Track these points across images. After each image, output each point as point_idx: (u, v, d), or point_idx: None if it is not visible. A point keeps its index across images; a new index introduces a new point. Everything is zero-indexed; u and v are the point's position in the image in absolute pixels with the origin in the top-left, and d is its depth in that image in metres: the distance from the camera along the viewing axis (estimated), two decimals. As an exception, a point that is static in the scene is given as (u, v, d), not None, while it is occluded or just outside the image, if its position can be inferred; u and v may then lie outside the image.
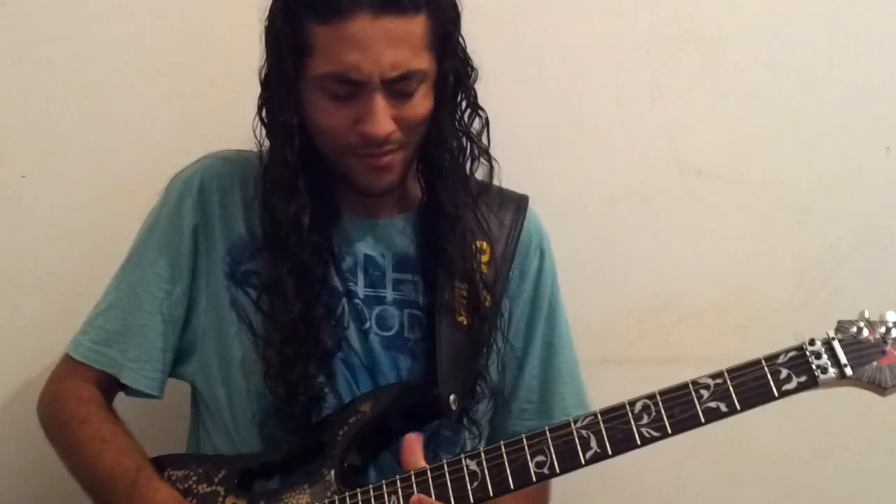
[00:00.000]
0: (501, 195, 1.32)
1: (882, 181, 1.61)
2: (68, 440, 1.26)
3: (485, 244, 1.29)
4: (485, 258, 1.28)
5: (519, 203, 1.34)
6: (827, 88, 1.60)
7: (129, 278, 1.27)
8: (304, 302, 1.17)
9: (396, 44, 1.08)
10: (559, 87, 1.60)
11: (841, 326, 1.03)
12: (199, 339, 1.25)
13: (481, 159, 1.24)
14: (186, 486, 1.20)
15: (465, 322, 1.23)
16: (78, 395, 1.27)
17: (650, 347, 1.64)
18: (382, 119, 1.11)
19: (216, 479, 1.19)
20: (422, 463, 1.10)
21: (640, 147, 1.62)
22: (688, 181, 1.62)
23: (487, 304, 1.26)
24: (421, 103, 1.14)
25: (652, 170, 1.62)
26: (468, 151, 1.23)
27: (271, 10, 1.15)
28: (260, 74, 1.18)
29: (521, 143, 1.47)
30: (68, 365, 1.28)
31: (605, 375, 1.37)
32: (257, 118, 1.20)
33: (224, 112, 1.39)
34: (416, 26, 1.09)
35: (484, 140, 1.24)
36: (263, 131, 1.21)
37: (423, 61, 1.12)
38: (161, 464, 1.23)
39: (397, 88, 1.11)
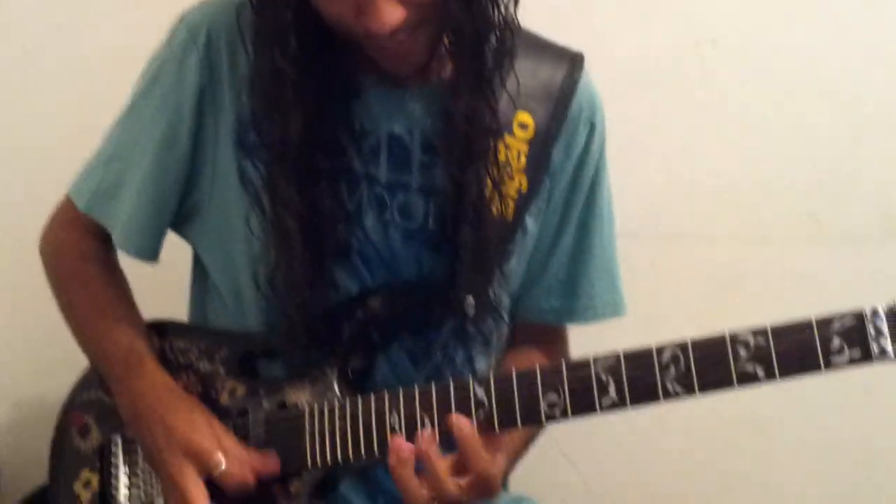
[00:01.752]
0: (552, 52, 1.18)
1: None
2: (68, 300, 1.24)
3: (528, 117, 1.15)
4: (526, 134, 1.15)
5: (572, 64, 1.18)
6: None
7: (130, 132, 1.18)
8: (310, 201, 1.06)
9: None
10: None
11: None
12: (204, 206, 1.18)
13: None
14: (187, 359, 1.17)
15: (496, 212, 1.11)
16: (78, 250, 1.23)
17: (663, 223, 1.60)
18: (384, 11, 0.94)
19: (217, 358, 1.16)
20: None
21: (655, 21, 1.56)
22: (703, 53, 1.55)
23: (524, 189, 1.15)
24: None
25: (668, 41, 1.55)
26: (489, 17, 1.04)
27: None
28: None
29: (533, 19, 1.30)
30: (71, 209, 1.22)
31: (618, 250, 1.29)
32: None
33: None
34: None
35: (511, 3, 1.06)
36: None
37: None
38: (163, 330, 1.21)
39: None
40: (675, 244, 1.62)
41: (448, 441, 1.03)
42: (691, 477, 1.66)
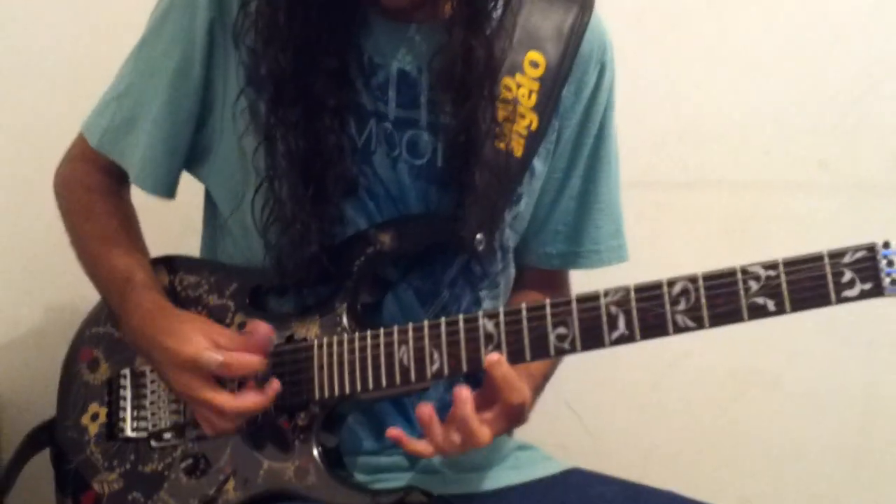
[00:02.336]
0: None
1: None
2: (74, 233, 1.25)
3: (540, 56, 1.15)
4: (537, 72, 1.15)
5: (583, 5, 1.18)
6: None
7: (142, 67, 1.19)
8: (316, 135, 1.07)
9: None
10: None
11: None
12: (215, 143, 1.18)
13: None
14: (197, 294, 1.19)
15: (504, 149, 1.12)
16: (87, 184, 1.25)
17: (671, 170, 1.59)
18: None
19: (227, 293, 1.17)
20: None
21: None
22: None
23: (534, 127, 1.15)
24: None
25: None
26: None
27: None
28: None
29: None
30: (83, 145, 1.24)
31: (624, 197, 1.29)
32: None
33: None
34: None
35: None
36: None
37: None
38: (174, 265, 1.22)
39: None
40: (683, 191, 1.62)
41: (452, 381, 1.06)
42: (694, 429, 1.68)
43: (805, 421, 1.65)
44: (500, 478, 1.19)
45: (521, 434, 1.33)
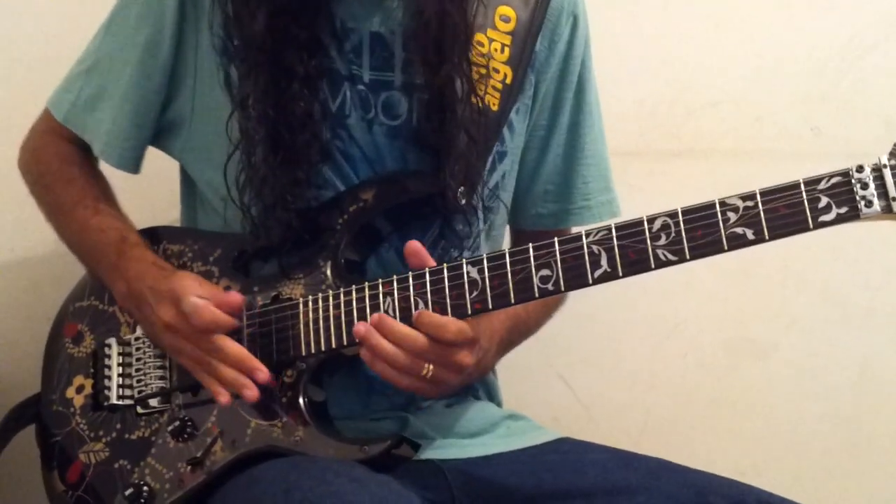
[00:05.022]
0: None
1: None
2: (53, 202, 1.30)
3: (510, 10, 1.21)
4: (508, 26, 1.21)
5: None
6: None
7: (111, 41, 1.23)
8: (289, 101, 1.12)
9: None
10: None
11: None
12: (188, 117, 1.23)
13: None
14: (181, 262, 1.23)
15: (480, 104, 1.17)
16: (59, 153, 1.30)
17: (662, 139, 1.65)
18: None
19: (211, 259, 1.22)
20: (431, 264, 1.08)
21: None
22: None
23: (509, 81, 1.20)
24: None
25: None
26: None
27: None
28: None
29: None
30: (50, 120, 1.28)
31: (613, 167, 1.34)
32: None
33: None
34: None
35: None
36: None
37: None
38: (157, 235, 1.26)
39: None
40: (675, 160, 1.67)
41: None
42: (688, 400, 1.71)
43: (800, 391, 1.68)
44: (491, 445, 1.22)
45: (512, 405, 1.37)
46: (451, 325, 1.04)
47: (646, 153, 1.66)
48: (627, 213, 1.29)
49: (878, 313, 1.66)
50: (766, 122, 1.65)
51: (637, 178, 1.62)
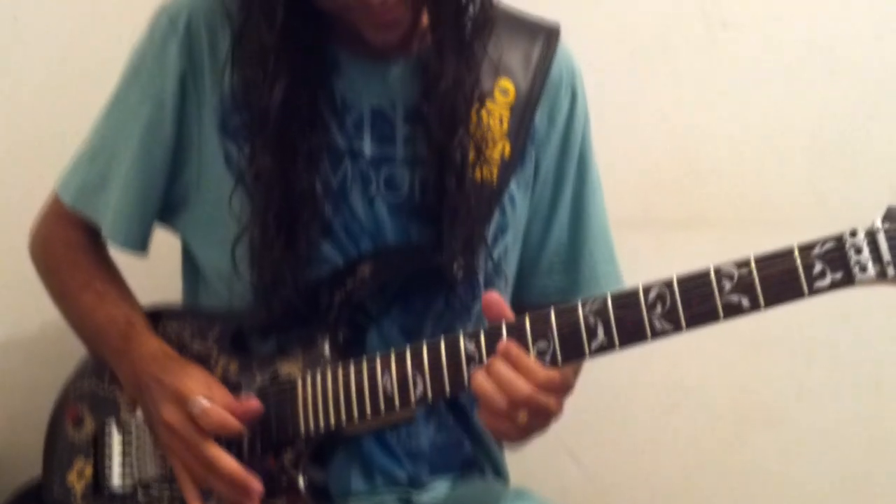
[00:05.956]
0: (529, 25, 1.26)
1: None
2: (60, 287, 1.31)
3: (509, 83, 1.23)
4: (508, 99, 1.23)
5: (549, 35, 1.26)
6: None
7: (113, 124, 1.26)
8: (291, 179, 1.13)
9: None
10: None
11: (891, 213, 0.93)
12: (192, 194, 1.25)
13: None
14: (181, 341, 1.24)
15: (479, 176, 1.19)
16: (66, 240, 1.31)
17: (669, 209, 1.65)
18: None
19: (210, 337, 1.22)
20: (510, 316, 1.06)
21: None
22: (713, 33, 1.61)
23: (507, 154, 1.22)
24: None
25: (676, 20, 1.60)
26: None
27: None
28: None
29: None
30: (58, 205, 1.30)
31: (620, 238, 1.35)
32: None
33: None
34: None
35: None
36: None
37: None
38: (157, 314, 1.27)
39: None
40: (683, 230, 1.67)
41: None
42: (695, 472, 1.69)
43: (810, 459, 1.66)
44: (496, 527, 1.21)
45: (519, 477, 1.35)
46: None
47: (651, 223, 1.67)
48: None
49: (885, 383, 1.65)
50: (773, 191, 1.65)
51: (645, 249, 1.63)
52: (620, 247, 1.36)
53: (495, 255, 1.25)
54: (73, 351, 1.30)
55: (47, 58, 1.66)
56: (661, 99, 1.66)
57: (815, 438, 1.66)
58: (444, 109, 1.15)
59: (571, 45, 1.30)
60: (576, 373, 1.23)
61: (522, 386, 1.00)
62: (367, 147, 1.20)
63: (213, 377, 1.16)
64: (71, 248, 1.31)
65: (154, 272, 1.35)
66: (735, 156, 1.66)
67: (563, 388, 1.03)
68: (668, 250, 1.67)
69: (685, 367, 1.66)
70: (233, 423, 1.10)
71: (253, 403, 1.12)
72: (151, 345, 1.19)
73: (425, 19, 1.18)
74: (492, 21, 1.18)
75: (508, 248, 1.27)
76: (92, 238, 1.31)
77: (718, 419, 1.67)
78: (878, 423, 1.64)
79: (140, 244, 1.27)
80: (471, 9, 1.16)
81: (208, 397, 1.10)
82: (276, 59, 1.12)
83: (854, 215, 1.63)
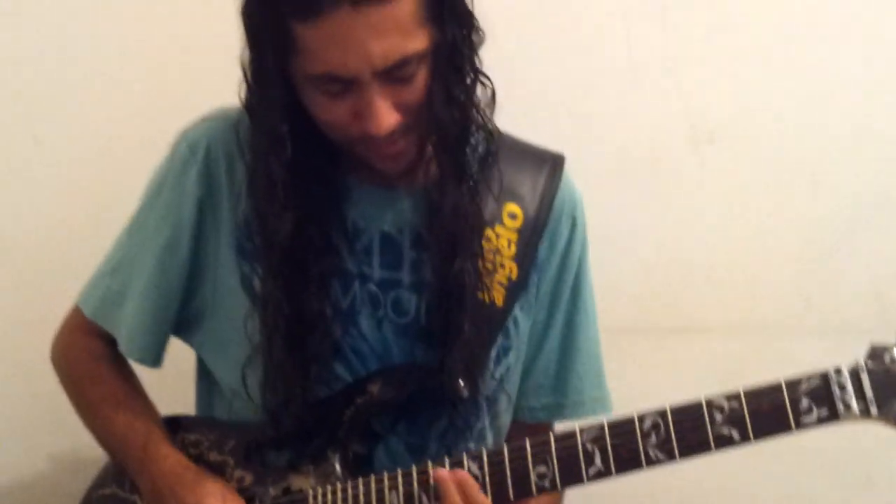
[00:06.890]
0: (535, 153, 1.32)
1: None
2: (82, 398, 1.36)
3: (517, 208, 1.28)
4: (516, 223, 1.28)
5: (554, 164, 1.32)
6: (842, 56, 1.67)
7: (133, 242, 1.32)
8: (302, 302, 1.18)
9: (384, 33, 1.04)
10: (570, 49, 1.67)
11: (874, 352, 1.00)
12: (207, 312, 1.30)
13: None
14: (198, 451, 1.28)
15: (486, 299, 1.24)
16: (89, 351, 1.36)
17: (664, 316, 1.70)
18: (381, 115, 1.08)
19: (226, 449, 1.27)
20: None
21: (651, 113, 1.69)
22: (700, 148, 1.69)
23: (514, 277, 1.27)
24: (425, 83, 1.11)
25: (663, 136, 1.68)
26: (471, 120, 1.19)
27: (247, 3, 1.11)
28: (242, 64, 1.15)
29: (529, 106, 1.48)
30: (79, 316, 1.36)
31: (616, 345, 1.40)
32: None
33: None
34: (402, 9, 1.05)
35: (488, 109, 1.21)
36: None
37: (419, 41, 1.08)
38: (176, 423, 1.32)
39: (395, 76, 1.08)
40: (676, 336, 1.72)
41: None
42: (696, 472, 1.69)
43: (808, 481, 1.69)
44: None
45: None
46: None
47: (643, 330, 1.71)
48: (633, 392, 1.34)
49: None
50: (762, 298, 1.70)
51: (642, 356, 1.68)
52: (617, 352, 1.40)
53: (497, 374, 1.29)
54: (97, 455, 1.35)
55: (70, 180, 1.74)
56: (650, 211, 1.71)
57: (809, 461, 1.69)
58: (447, 237, 1.20)
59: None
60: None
61: None
62: (376, 271, 1.25)
63: (229, 488, 1.21)
64: (92, 359, 1.36)
65: (168, 378, 1.41)
66: (726, 264, 1.71)
67: None
68: (662, 357, 1.71)
69: (684, 475, 1.66)
70: None
71: None
72: (170, 457, 1.24)
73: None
74: (495, 151, 1.24)
75: (511, 369, 1.31)
76: (111, 347, 1.36)
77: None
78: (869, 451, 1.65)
79: (153, 359, 1.32)
80: (473, 140, 1.22)
81: None
82: (286, 192, 1.17)
83: (841, 319, 1.71)
